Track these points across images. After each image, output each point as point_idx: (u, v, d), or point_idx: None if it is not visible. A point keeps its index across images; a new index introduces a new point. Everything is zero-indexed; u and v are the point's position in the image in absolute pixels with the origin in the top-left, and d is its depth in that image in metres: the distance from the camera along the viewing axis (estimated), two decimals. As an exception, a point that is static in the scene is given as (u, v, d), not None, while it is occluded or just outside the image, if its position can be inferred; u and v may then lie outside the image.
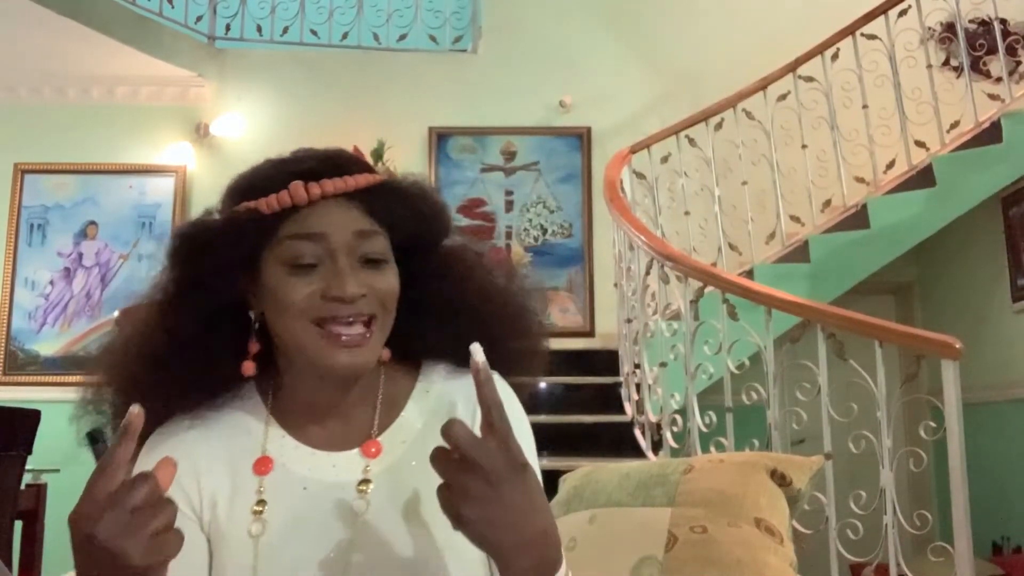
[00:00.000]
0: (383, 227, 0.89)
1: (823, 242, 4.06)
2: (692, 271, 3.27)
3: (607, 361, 4.11)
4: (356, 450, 0.90)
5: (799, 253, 4.10)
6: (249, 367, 0.90)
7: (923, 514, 2.64)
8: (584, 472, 1.60)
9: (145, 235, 5.13)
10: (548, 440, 3.28)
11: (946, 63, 5.06)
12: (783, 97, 4.30)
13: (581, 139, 5.28)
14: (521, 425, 0.92)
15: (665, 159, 4.32)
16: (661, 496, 1.40)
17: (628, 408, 3.74)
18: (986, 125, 4.12)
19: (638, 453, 3.48)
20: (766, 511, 1.36)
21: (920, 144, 4.25)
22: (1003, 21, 4.62)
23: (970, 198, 4.01)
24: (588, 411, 3.79)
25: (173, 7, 5.14)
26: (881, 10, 4.26)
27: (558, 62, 5.28)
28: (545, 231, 5.23)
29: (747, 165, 4.24)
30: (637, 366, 3.68)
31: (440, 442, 0.72)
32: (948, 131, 4.22)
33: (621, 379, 3.91)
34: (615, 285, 4.13)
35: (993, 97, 4.28)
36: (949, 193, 3.98)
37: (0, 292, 5.07)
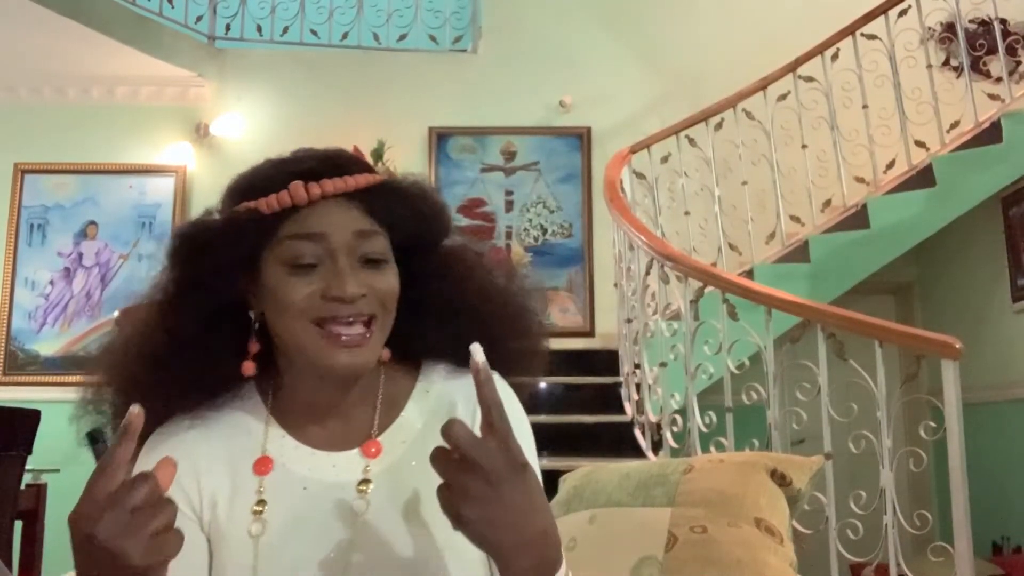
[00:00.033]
0: (383, 227, 0.89)
1: (823, 242, 4.06)
2: (692, 271, 3.27)
3: (607, 361, 4.11)
4: (356, 450, 0.90)
5: (799, 253, 4.10)
6: (249, 367, 0.90)
7: (923, 514, 2.64)
8: (584, 472, 1.60)
9: (145, 235, 5.13)
10: (548, 440, 3.28)
11: (946, 63, 5.05)
12: (783, 97, 4.30)
13: (581, 139, 5.28)
14: (521, 425, 0.92)
15: (665, 159, 4.31)
16: (661, 496, 1.40)
17: (628, 408, 3.74)
18: (986, 125, 4.12)
19: (638, 453, 3.48)
20: (766, 511, 1.36)
21: (920, 144, 4.24)
22: (1003, 21, 4.62)
23: (970, 198, 4.01)
24: (588, 411, 3.79)
25: (173, 7, 5.14)
26: (881, 10, 4.26)
27: (558, 62, 5.28)
28: (545, 231, 5.23)
29: (747, 165, 4.24)
30: (637, 366, 3.68)
31: (440, 442, 0.72)
32: (948, 131, 4.22)
33: (621, 379, 3.91)
34: (615, 285, 4.13)
35: (993, 97, 4.28)
36: (949, 193, 3.98)
37: (0, 292, 5.07)
